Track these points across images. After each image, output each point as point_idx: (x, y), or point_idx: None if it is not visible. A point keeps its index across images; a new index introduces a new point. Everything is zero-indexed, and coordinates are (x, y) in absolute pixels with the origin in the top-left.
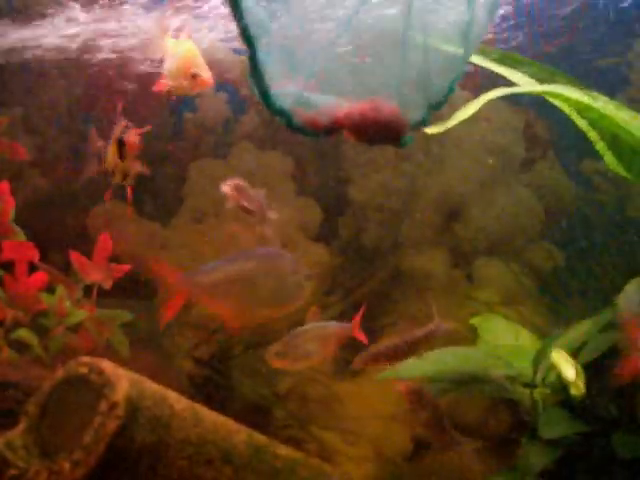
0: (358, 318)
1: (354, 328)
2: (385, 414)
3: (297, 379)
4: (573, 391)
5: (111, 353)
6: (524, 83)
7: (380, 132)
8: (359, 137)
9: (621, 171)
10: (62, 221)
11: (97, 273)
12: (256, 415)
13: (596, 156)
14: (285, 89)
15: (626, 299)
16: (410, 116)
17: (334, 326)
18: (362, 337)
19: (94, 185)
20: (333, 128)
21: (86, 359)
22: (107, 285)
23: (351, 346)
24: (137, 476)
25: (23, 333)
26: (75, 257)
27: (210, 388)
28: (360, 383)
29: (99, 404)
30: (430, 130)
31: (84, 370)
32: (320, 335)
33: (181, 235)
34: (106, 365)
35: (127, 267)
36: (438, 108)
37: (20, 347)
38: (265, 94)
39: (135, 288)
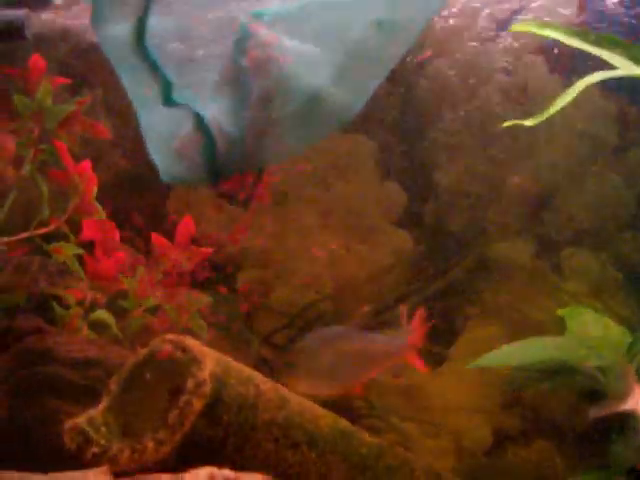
0: (418, 332)
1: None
2: (467, 406)
3: None
4: None
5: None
6: (623, 66)
7: None
8: None
9: None
10: (141, 203)
11: (178, 255)
12: (333, 405)
13: None
14: None
15: None
16: None
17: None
18: (417, 362)
19: None
20: None
21: (170, 336)
22: (188, 267)
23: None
24: (223, 457)
25: (101, 314)
26: (156, 238)
27: None
28: (442, 373)
29: (185, 382)
30: (529, 122)
31: (169, 347)
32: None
33: (262, 219)
34: (191, 342)
35: (209, 251)
36: None
37: (97, 329)
38: None
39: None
